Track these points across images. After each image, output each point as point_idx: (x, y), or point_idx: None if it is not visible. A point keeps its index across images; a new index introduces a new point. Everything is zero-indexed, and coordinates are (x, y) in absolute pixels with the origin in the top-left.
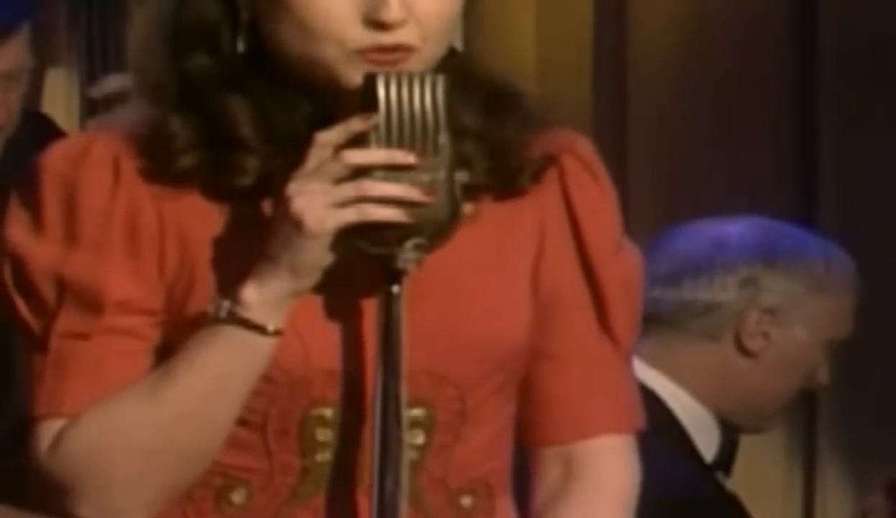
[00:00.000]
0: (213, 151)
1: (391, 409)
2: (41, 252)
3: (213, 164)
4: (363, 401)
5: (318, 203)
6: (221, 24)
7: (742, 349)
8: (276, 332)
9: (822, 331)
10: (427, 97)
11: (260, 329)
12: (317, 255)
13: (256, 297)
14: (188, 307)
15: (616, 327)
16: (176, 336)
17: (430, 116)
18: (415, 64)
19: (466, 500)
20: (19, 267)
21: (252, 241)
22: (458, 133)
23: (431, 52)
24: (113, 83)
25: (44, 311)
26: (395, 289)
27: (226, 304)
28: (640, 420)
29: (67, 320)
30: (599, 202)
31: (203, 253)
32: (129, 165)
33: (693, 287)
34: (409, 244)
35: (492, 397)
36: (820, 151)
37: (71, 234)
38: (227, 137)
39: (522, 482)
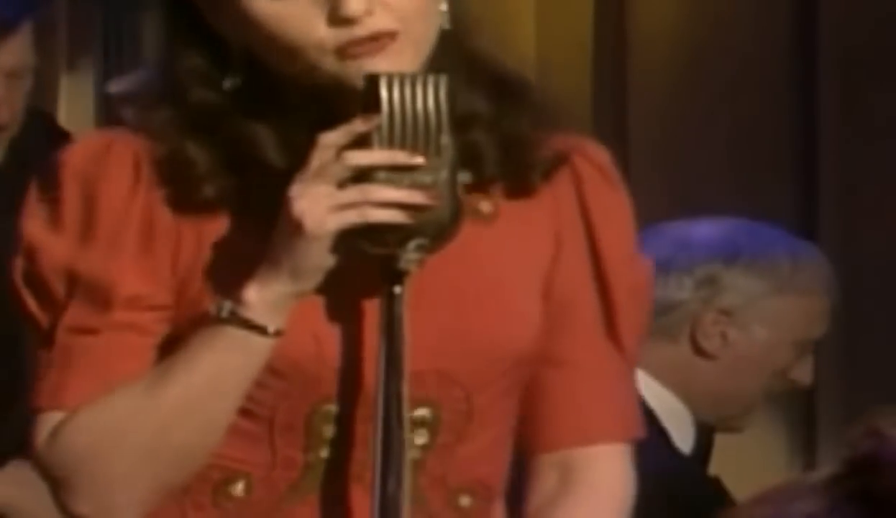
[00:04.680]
0: (239, 178)
1: (393, 410)
2: (55, 247)
3: (239, 191)
4: (367, 398)
5: (320, 205)
6: (212, 67)
7: (699, 350)
8: (277, 333)
9: (786, 330)
10: (430, 98)
11: (260, 330)
12: (317, 257)
13: (257, 297)
14: (202, 305)
15: (623, 335)
16: (187, 333)
17: (432, 117)
18: (404, 47)
19: (465, 500)
20: (32, 261)
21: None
22: (466, 120)
23: (419, 32)
24: (134, 80)
25: (52, 305)
26: (397, 289)
27: (227, 304)
28: (639, 430)
29: (76, 315)
30: (615, 209)
31: (218, 253)
32: (149, 169)
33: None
34: (411, 245)
35: (499, 400)
36: (820, 150)
37: (87, 231)
38: (252, 162)
39: (516, 489)
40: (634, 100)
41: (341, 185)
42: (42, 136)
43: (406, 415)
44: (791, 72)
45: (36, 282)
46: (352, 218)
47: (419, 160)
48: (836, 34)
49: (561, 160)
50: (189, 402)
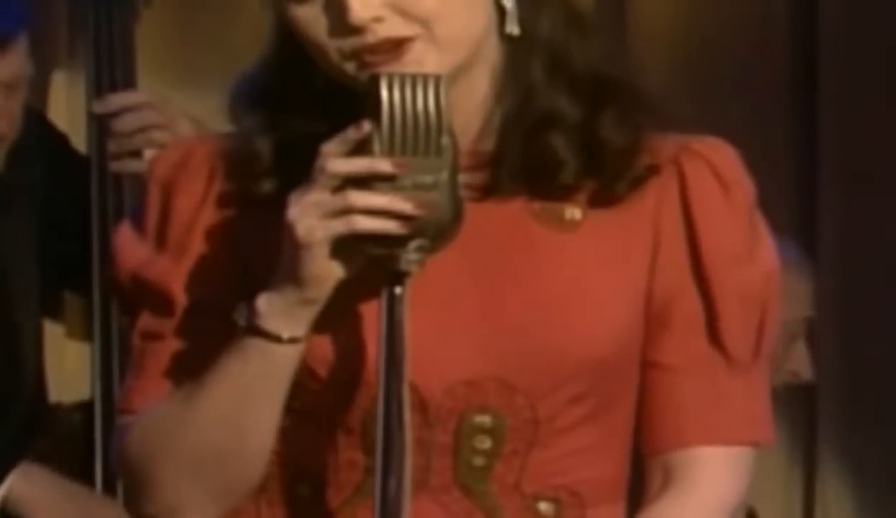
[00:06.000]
0: (295, 176)
1: (393, 411)
2: (132, 253)
3: (293, 189)
4: (413, 403)
5: (309, 214)
6: (291, 67)
7: None
8: (293, 340)
9: None
10: (430, 98)
11: (274, 337)
12: (315, 266)
13: (266, 306)
14: None
15: (727, 340)
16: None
17: (432, 117)
18: (424, 52)
19: (545, 507)
20: (113, 266)
21: None
22: (543, 121)
23: (445, 34)
24: (118, 100)
25: (130, 310)
26: (398, 290)
27: (245, 313)
28: (754, 434)
29: (146, 320)
30: (721, 210)
31: (277, 254)
32: (221, 174)
33: None
34: (412, 246)
35: (570, 407)
36: (821, 150)
37: (160, 238)
38: (309, 162)
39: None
40: None
41: (339, 189)
42: (35, 136)
43: (407, 416)
44: (791, 71)
45: (117, 286)
46: (339, 227)
47: (397, 170)
48: (835, 34)
49: (655, 170)
50: (220, 410)
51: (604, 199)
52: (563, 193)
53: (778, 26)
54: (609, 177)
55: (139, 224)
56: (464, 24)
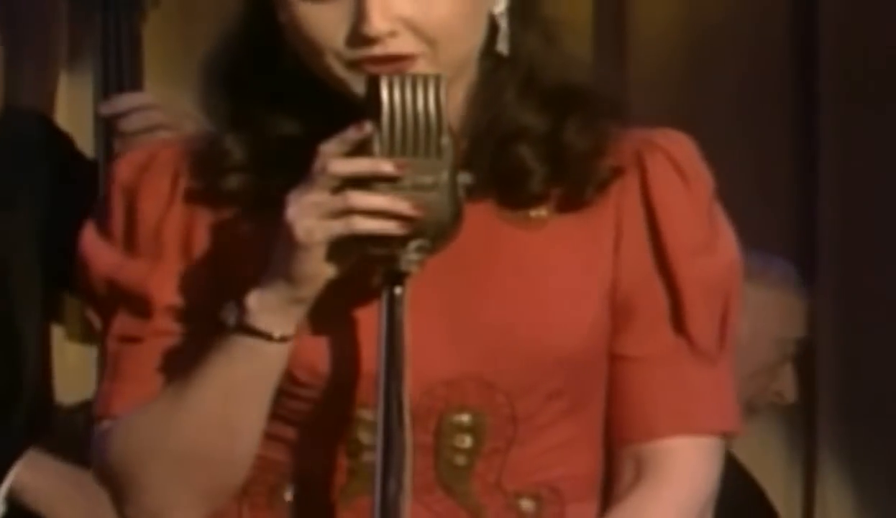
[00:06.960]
0: (263, 173)
1: (393, 412)
2: (102, 257)
3: (261, 186)
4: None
5: (309, 214)
6: (271, 49)
7: None
8: (283, 339)
9: (764, 323)
10: (430, 98)
11: (265, 336)
12: (311, 266)
13: (257, 304)
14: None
15: (692, 329)
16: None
17: (432, 118)
18: (424, 69)
19: (527, 504)
20: (84, 271)
21: None
22: (513, 134)
23: (447, 55)
24: (125, 102)
25: (102, 314)
26: (398, 291)
27: (234, 311)
28: (723, 424)
29: (121, 324)
30: (682, 201)
31: (251, 254)
32: (187, 174)
33: None
34: (412, 246)
35: (547, 403)
36: (822, 150)
37: (129, 242)
38: (284, 163)
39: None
40: (634, 100)
41: (338, 190)
42: (39, 137)
43: (407, 417)
44: (791, 72)
45: (88, 290)
46: (338, 228)
47: (398, 171)
48: (836, 36)
49: (620, 172)
50: (207, 410)
51: (571, 203)
52: (532, 200)
53: (778, 28)
54: (575, 183)
55: (105, 229)
56: (466, 44)
